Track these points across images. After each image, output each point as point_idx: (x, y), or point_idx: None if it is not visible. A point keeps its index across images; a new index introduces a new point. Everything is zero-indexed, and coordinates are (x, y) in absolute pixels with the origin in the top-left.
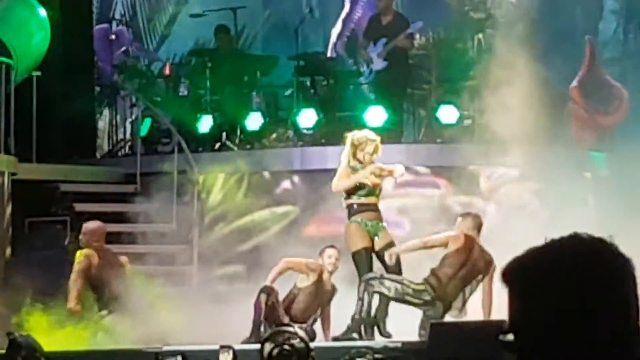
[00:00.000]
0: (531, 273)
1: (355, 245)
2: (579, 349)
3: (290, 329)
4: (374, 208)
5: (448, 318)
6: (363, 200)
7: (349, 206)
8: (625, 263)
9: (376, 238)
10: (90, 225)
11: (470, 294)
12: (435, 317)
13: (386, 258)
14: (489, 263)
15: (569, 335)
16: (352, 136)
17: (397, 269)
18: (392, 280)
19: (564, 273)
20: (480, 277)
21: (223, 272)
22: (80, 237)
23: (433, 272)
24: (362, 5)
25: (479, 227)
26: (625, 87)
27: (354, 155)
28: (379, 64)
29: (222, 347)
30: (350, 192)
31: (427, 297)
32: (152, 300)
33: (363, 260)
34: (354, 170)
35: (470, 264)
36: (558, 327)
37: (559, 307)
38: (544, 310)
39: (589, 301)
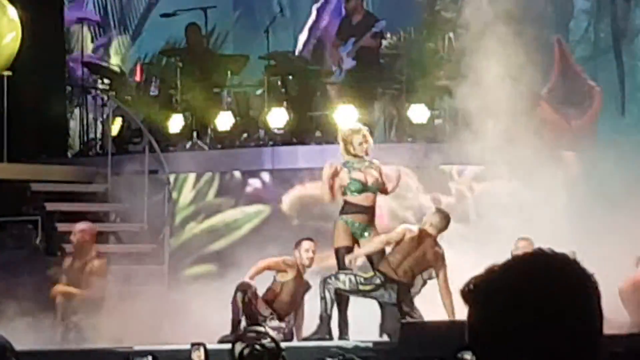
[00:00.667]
0: (493, 291)
1: (337, 242)
2: None
3: (261, 328)
4: (366, 210)
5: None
6: (356, 199)
7: (344, 202)
8: (587, 279)
9: (362, 240)
10: (82, 225)
11: (429, 278)
12: (390, 302)
13: (346, 262)
14: (438, 256)
15: (530, 351)
16: (340, 133)
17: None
18: (345, 274)
19: (526, 290)
20: (431, 269)
21: (194, 271)
22: (72, 236)
23: (383, 259)
24: (328, 13)
25: (444, 225)
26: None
27: (347, 152)
28: (348, 63)
29: (193, 344)
30: (344, 188)
31: (378, 281)
32: (123, 300)
33: (341, 258)
34: (350, 166)
35: (419, 252)
36: (519, 343)
37: (520, 322)
38: (505, 325)
39: (550, 317)
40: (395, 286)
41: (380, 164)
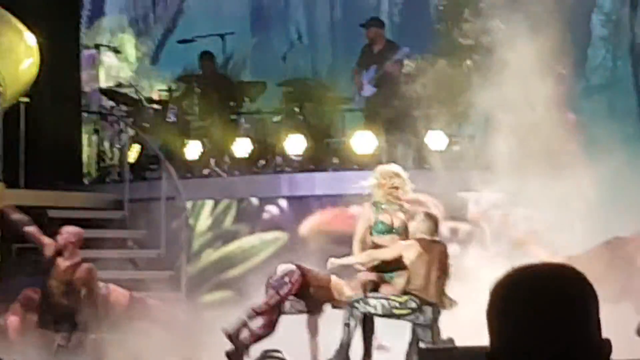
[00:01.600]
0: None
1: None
2: None
3: (278, 354)
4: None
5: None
6: (382, 240)
7: (372, 243)
8: (584, 288)
9: (386, 278)
10: (68, 227)
11: (444, 285)
12: (426, 323)
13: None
14: (444, 247)
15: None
16: (378, 171)
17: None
18: (377, 298)
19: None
20: (446, 267)
21: (211, 298)
22: (58, 237)
23: (408, 282)
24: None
25: (434, 228)
26: (614, 114)
27: (378, 192)
28: (368, 91)
29: None
30: (371, 228)
31: (414, 305)
32: (141, 326)
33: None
34: (379, 207)
35: (435, 260)
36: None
37: (534, 330)
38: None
39: (541, 328)
40: (430, 308)
41: (409, 208)
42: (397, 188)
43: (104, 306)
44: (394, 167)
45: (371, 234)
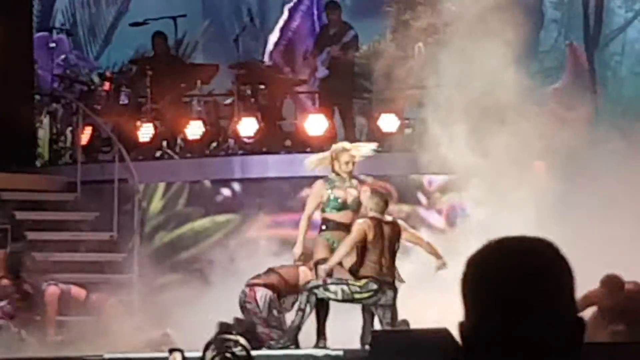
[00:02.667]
0: (481, 273)
1: (317, 255)
2: (522, 344)
3: (232, 336)
4: (345, 228)
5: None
6: (335, 216)
7: (323, 219)
8: (558, 262)
9: None
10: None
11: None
12: (388, 304)
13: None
14: (396, 226)
15: (502, 341)
16: (331, 150)
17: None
18: (336, 284)
19: (511, 271)
20: (396, 244)
21: (164, 280)
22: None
23: (363, 263)
24: (300, 14)
25: (384, 206)
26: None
27: (332, 168)
28: (322, 72)
29: (171, 350)
30: (322, 204)
31: (374, 287)
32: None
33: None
34: (331, 183)
35: (386, 239)
36: (502, 327)
37: (505, 305)
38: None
39: (517, 303)
40: (388, 288)
41: (358, 184)
42: (350, 163)
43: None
44: (345, 144)
45: (323, 210)
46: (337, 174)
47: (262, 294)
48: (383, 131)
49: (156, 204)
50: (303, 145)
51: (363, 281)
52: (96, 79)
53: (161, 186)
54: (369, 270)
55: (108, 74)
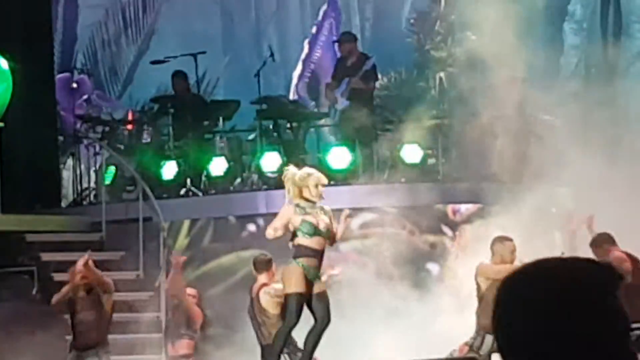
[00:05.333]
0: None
1: (289, 287)
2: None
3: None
4: (318, 255)
5: None
6: (309, 242)
7: (296, 246)
8: (607, 279)
9: (316, 283)
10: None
11: None
12: None
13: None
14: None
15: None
16: (291, 176)
17: (325, 313)
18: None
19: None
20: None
21: None
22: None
23: None
24: (320, 45)
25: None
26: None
27: (300, 195)
28: (342, 104)
29: None
30: (295, 230)
31: None
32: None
33: (294, 305)
34: (302, 209)
35: None
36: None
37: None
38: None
39: (566, 320)
40: None
41: (330, 210)
42: (319, 186)
43: None
44: (306, 169)
45: (296, 235)
46: (307, 200)
47: None
48: (406, 162)
49: (181, 241)
50: (327, 179)
51: None
52: (118, 118)
53: (186, 223)
54: None
55: (130, 113)
